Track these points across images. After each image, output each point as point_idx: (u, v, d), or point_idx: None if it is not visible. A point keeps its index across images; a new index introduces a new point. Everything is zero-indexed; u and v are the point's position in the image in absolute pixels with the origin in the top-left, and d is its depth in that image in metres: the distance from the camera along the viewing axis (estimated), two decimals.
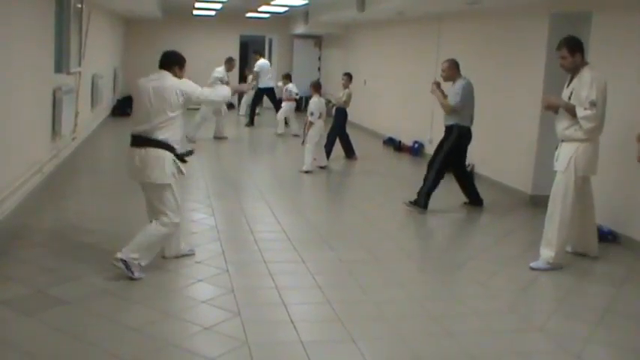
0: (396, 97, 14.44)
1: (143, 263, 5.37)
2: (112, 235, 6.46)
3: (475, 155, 10.78)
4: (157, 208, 5.47)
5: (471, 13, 10.82)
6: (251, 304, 5.06)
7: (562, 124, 6.25)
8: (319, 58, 21.84)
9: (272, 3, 14.30)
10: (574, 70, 6.20)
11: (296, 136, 14.11)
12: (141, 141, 5.38)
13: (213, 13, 18.65)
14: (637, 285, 5.97)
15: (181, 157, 5.57)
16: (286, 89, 15.53)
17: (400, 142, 13.72)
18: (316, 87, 11.27)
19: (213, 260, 5.99)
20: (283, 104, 15.45)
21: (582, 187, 6.33)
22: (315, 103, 10.85)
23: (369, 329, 4.70)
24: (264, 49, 22.19)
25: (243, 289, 5.32)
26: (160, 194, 5.43)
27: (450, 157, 8.34)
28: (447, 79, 8.41)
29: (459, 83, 8.22)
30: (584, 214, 6.47)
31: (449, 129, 8.34)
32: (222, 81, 13.10)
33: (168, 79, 5.44)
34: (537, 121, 9.03)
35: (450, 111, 8.19)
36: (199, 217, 7.48)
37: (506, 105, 9.85)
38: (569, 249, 6.67)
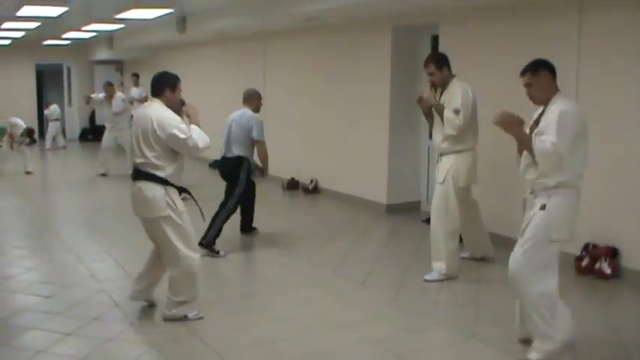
0: (220, 119, 14.14)
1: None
2: None
3: (320, 171, 10.90)
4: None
5: (304, 29, 10.90)
6: None
7: (439, 137, 6.40)
8: (122, 84, 21.01)
9: (83, 29, 13.51)
10: (443, 84, 6.35)
11: None
12: None
13: (8, 42, 17.29)
14: None
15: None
16: None
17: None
18: None
19: (56, 323, 5.18)
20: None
21: (465, 197, 6.54)
22: None
23: None
24: (62, 77, 21.09)
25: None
26: None
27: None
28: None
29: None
30: (472, 222, 6.72)
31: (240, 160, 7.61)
32: None
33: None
34: (387, 132, 9.29)
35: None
36: (21, 270, 6.83)
37: (354, 119, 10.04)
38: (466, 255, 6.91)
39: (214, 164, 7.80)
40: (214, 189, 9.21)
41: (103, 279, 6.32)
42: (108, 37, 16.52)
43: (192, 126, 5.08)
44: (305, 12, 9.01)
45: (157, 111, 4.95)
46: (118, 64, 20.49)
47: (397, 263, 6.90)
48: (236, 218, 7.74)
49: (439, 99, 6.34)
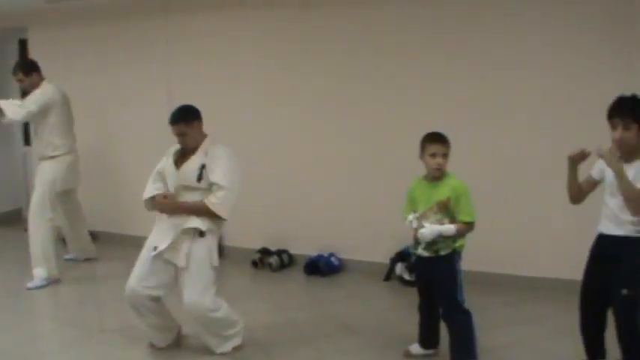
0: None
1: None
2: None
3: None
4: None
5: None
6: None
7: (38, 142, 6.41)
8: None
9: None
10: (32, 89, 6.24)
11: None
12: None
13: None
14: None
15: None
16: None
17: None
18: None
19: None
20: None
21: (67, 200, 6.61)
22: None
23: None
24: None
25: None
26: None
27: None
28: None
29: None
30: (76, 224, 6.80)
31: None
32: None
33: None
34: None
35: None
36: None
37: None
38: (71, 257, 7.02)
39: None
40: None
41: None
42: None
43: None
44: None
45: None
46: None
47: (5, 273, 6.64)
48: None
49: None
